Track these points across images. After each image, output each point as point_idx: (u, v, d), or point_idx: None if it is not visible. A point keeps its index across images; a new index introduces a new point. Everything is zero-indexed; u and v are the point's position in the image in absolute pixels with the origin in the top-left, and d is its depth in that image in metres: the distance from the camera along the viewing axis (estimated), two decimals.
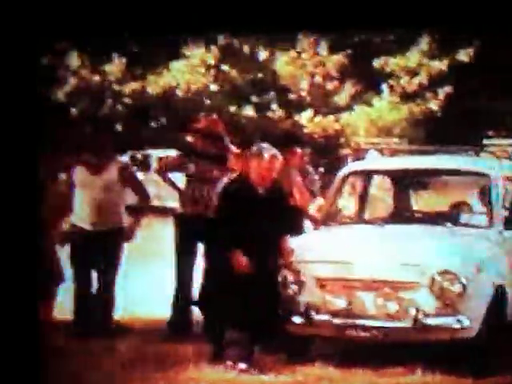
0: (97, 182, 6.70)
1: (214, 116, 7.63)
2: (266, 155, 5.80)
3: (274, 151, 5.88)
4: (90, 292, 6.79)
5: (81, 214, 6.73)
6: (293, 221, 6.26)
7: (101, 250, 6.68)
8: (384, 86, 21.70)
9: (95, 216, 6.68)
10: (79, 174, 6.76)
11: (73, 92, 22.00)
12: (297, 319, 5.87)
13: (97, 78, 22.13)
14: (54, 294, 6.19)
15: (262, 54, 22.44)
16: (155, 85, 21.98)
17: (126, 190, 6.85)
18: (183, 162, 7.00)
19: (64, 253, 6.53)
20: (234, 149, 6.81)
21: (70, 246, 6.77)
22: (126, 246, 6.91)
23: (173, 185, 7.17)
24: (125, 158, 18.82)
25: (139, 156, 19.27)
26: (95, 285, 6.81)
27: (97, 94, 22.19)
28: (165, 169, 7.29)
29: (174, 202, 7.43)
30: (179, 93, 22.08)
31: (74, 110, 21.89)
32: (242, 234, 5.71)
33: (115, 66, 22.29)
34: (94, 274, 6.82)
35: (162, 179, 7.25)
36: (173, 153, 7.80)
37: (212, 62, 22.27)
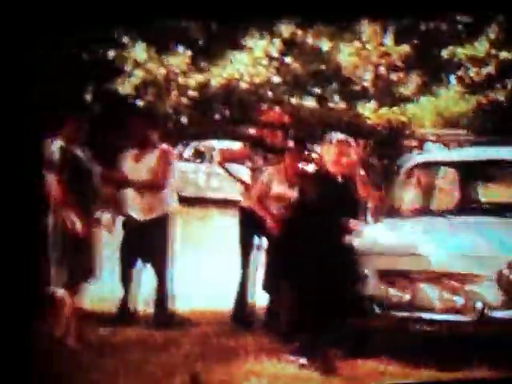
0: (140, 168, 6.71)
1: (276, 108, 7.61)
2: (334, 140, 5.79)
3: (342, 136, 5.87)
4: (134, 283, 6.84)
5: (131, 203, 6.78)
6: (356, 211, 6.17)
7: (150, 239, 6.69)
8: (451, 77, 21.34)
9: (143, 203, 6.72)
10: (124, 162, 6.81)
11: (138, 84, 22.20)
12: (359, 313, 5.78)
13: (162, 70, 22.28)
14: (81, 289, 6.26)
15: (326, 46, 22.29)
16: (219, 77, 22.04)
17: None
18: (247, 155, 6.96)
19: (103, 250, 6.57)
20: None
21: (122, 236, 6.83)
22: (187, 238, 6.91)
23: (236, 177, 7.12)
24: (188, 150, 18.98)
25: (202, 148, 19.34)
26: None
27: (162, 86, 22.34)
28: (228, 161, 7.25)
29: (236, 195, 7.37)
30: (242, 85, 22.09)
31: (140, 103, 22.08)
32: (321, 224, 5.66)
33: (180, 59, 22.41)
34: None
35: (224, 171, 7.22)
36: (236, 145, 7.76)
37: (275, 54, 22.22)
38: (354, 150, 6.54)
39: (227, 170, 7.17)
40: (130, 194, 6.80)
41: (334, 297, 5.67)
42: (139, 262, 6.84)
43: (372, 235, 6.23)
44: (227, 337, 6.41)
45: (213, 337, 6.41)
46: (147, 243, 6.73)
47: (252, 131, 7.14)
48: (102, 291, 7.75)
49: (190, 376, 5.24)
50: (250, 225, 6.80)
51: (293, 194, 6.39)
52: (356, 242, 5.90)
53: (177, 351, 5.98)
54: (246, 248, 6.83)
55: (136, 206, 6.75)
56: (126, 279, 6.83)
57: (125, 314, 6.80)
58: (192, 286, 7.61)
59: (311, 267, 5.63)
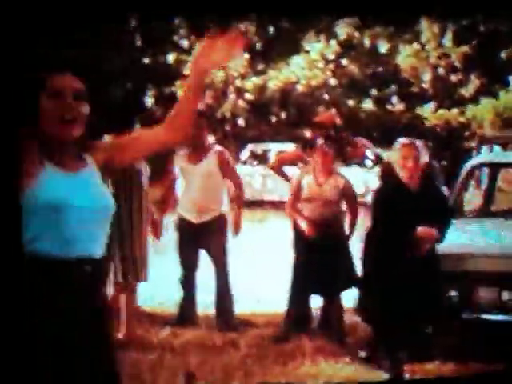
0: (197, 170, 6.66)
1: (332, 111, 7.53)
2: (398, 146, 5.62)
3: (406, 140, 5.70)
4: (195, 286, 6.80)
5: (186, 205, 6.71)
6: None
7: (207, 241, 6.66)
8: (511, 78, 20.99)
9: (199, 205, 6.66)
10: (180, 164, 6.72)
11: None
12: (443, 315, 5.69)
13: (221, 73, 22.40)
14: (134, 289, 6.31)
15: (383, 47, 22.15)
16: (276, 80, 22.07)
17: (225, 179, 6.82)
18: (300, 157, 6.93)
19: (151, 250, 6.57)
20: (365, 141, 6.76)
21: (177, 238, 6.78)
22: (244, 240, 6.89)
23: (289, 179, 7.10)
24: (245, 153, 19.01)
25: (259, 150, 19.38)
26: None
27: (220, 89, 22.46)
28: (281, 163, 7.21)
29: (275, 196, 7.36)
30: (299, 87, 22.08)
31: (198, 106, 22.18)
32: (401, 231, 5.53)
33: (238, 62, 22.50)
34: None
35: (276, 174, 7.16)
36: (290, 147, 7.71)
37: (332, 56, 22.15)
38: (421, 153, 6.47)
39: (281, 173, 7.13)
40: (184, 195, 6.75)
41: (422, 302, 5.52)
42: (198, 264, 6.82)
43: None
44: (284, 339, 6.37)
45: (270, 339, 6.38)
46: (206, 245, 6.71)
47: (305, 133, 7.08)
48: (159, 293, 7.83)
49: (184, 375, 5.23)
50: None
51: (325, 193, 6.34)
52: None
53: (235, 353, 5.98)
54: (301, 249, 6.80)
55: (191, 207, 6.69)
56: (188, 282, 6.78)
57: (186, 316, 6.77)
58: (250, 288, 7.61)
59: (395, 273, 5.47)
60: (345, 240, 6.45)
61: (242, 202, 6.83)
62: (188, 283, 6.80)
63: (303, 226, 6.34)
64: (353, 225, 6.50)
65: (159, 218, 6.72)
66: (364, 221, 6.41)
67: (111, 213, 2.75)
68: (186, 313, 6.80)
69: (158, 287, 7.88)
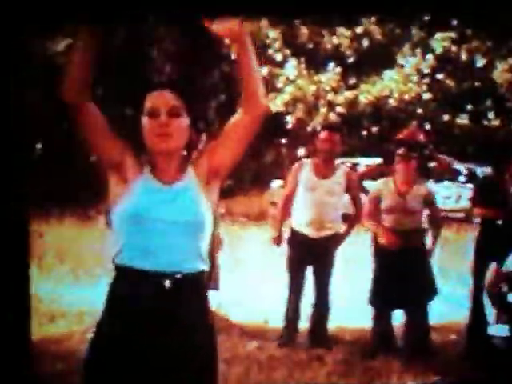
0: (324, 185, 6.54)
1: (414, 125, 7.48)
2: None
3: None
4: (301, 300, 6.67)
5: (304, 219, 6.56)
6: None
7: (319, 256, 6.53)
8: None
9: (319, 220, 6.52)
10: (306, 175, 6.57)
11: (289, 101, 22.42)
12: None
13: (312, 87, 22.40)
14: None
15: (480, 62, 21.75)
16: (368, 93, 21.92)
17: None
18: (382, 172, 6.88)
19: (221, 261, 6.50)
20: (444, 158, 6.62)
21: (289, 251, 6.62)
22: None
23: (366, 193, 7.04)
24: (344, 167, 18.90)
25: (348, 164, 19.29)
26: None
27: (312, 102, 22.46)
28: (361, 178, 7.17)
29: None
30: (392, 102, 21.87)
31: (289, 118, 22.28)
32: None
33: (330, 76, 22.48)
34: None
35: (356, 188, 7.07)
36: (375, 162, 7.63)
37: (427, 70, 21.87)
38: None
39: (362, 189, 7.09)
40: (301, 209, 6.58)
41: None
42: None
43: None
44: (371, 356, 6.29)
45: (356, 356, 6.30)
46: (318, 261, 6.55)
47: (392, 148, 7.00)
48: (251, 306, 7.85)
49: None
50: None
51: (407, 203, 6.24)
52: None
53: (320, 368, 5.92)
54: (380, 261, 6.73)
55: (309, 221, 6.52)
56: (297, 297, 6.63)
57: (293, 332, 6.65)
58: (339, 302, 7.53)
59: None
60: (426, 251, 6.35)
61: (358, 222, 6.73)
62: (296, 299, 6.64)
63: (385, 237, 6.25)
64: (435, 236, 6.38)
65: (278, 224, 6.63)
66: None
67: (203, 227, 2.75)
68: (292, 330, 6.67)
69: (247, 300, 7.91)
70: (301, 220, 6.58)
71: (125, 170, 2.75)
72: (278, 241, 6.66)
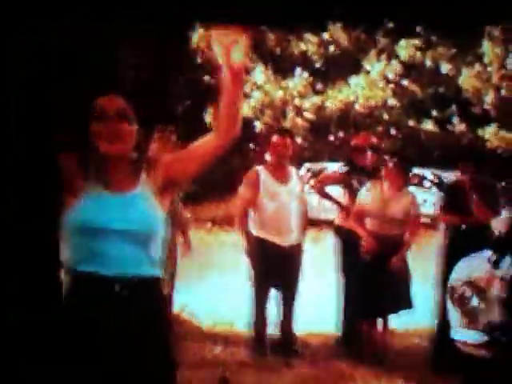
0: (285, 190, 6.51)
1: (366, 132, 7.58)
2: None
3: None
4: (267, 308, 6.62)
5: (271, 226, 6.46)
6: None
7: (285, 265, 6.46)
8: None
9: (287, 226, 6.47)
10: (265, 182, 6.51)
11: (257, 106, 22.47)
12: (476, 338, 5.60)
13: (280, 92, 22.48)
14: None
15: (445, 68, 21.97)
16: (335, 99, 22.05)
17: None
18: (343, 178, 6.94)
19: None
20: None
21: (254, 262, 6.51)
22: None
23: (331, 198, 7.08)
24: (301, 171, 18.98)
25: (316, 169, 19.35)
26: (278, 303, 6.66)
27: (279, 108, 22.54)
28: (323, 184, 7.18)
29: (331, 215, 7.33)
30: (358, 107, 22.02)
31: (257, 124, 22.32)
32: None
33: (298, 81, 22.58)
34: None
35: (318, 194, 7.10)
36: (335, 168, 7.65)
37: (392, 76, 22.05)
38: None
39: (323, 194, 7.09)
40: (266, 216, 6.47)
41: None
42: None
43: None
44: (339, 360, 6.34)
45: (324, 360, 6.35)
46: (285, 269, 6.47)
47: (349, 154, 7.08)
48: (217, 310, 7.86)
49: (219, 381, 5.22)
50: (348, 245, 6.76)
51: (391, 210, 6.31)
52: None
53: (288, 373, 5.96)
54: (348, 268, 6.78)
55: (277, 228, 6.44)
56: (262, 305, 6.53)
57: (262, 339, 6.57)
58: (306, 308, 7.57)
59: None
60: (405, 260, 6.39)
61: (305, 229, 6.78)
62: (262, 310, 6.56)
63: (364, 238, 6.32)
64: (408, 244, 6.42)
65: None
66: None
67: (155, 236, 2.77)
68: (262, 335, 6.60)
69: (212, 304, 7.91)
70: (267, 228, 6.48)
71: (75, 179, 2.75)
72: (246, 252, 6.58)
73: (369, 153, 6.87)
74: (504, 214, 6.53)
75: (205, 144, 2.87)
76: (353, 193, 6.84)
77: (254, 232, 6.53)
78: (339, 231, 6.93)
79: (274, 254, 6.42)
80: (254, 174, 6.57)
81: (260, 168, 6.61)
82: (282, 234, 6.46)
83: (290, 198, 6.50)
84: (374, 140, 7.08)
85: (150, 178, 2.82)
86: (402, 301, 6.29)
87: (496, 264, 5.46)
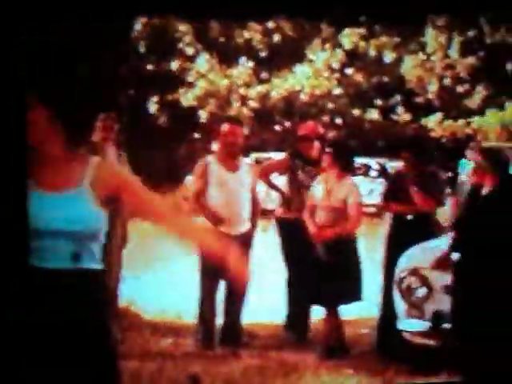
0: (234, 178, 6.46)
1: (311, 121, 7.62)
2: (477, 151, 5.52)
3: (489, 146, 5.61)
4: (215, 299, 6.57)
5: (220, 215, 6.39)
6: None
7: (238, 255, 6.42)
8: None
9: (236, 215, 6.43)
10: (214, 171, 6.46)
11: (201, 95, 22.41)
12: (422, 327, 5.68)
13: (225, 81, 22.45)
14: None
15: (389, 57, 22.18)
16: (280, 88, 22.10)
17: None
18: (287, 165, 6.95)
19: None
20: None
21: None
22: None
23: (275, 188, 7.09)
24: (249, 161, 18.98)
25: (262, 159, 19.38)
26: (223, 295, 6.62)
27: (224, 97, 22.51)
28: (267, 172, 7.19)
29: (274, 205, 7.34)
30: (303, 97, 22.11)
31: (203, 113, 22.27)
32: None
33: (243, 70, 22.58)
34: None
35: (263, 183, 7.11)
36: (278, 157, 7.64)
37: (337, 65, 22.19)
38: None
39: (268, 182, 7.11)
40: (216, 206, 6.42)
41: None
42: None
43: (439, 249, 6.13)
44: (287, 350, 6.37)
45: (272, 350, 6.37)
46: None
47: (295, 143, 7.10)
48: (163, 302, 7.83)
49: (189, 377, 5.22)
50: (291, 236, 6.79)
51: (333, 199, 6.34)
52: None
53: (236, 364, 5.96)
54: (290, 259, 6.82)
55: (226, 217, 6.36)
56: (211, 296, 6.48)
57: (210, 330, 6.50)
58: (253, 299, 7.59)
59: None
60: (353, 249, 6.42)
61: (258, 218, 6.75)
62: (211, 301, 6.51)
63: (311, 229, 6.36)
64: (351, 232, 6.45)
65: None
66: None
67: (97, 232, 2.80)
68: (209, 327, 6.53)
69: (160, 296, 7.87)
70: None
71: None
72: None
73: (316, 143, 6.90)
74: (448, 203, 6.64)
75: (147, 203, 2.95)
76: (297, 183, 6.85)
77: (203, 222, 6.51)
78: (281, 222, 6.94)
79: (221, 243, 6.37)
80: (202, 164, 6.54)
81: (209, 158, 6.58)
82: (232, 223, 6.44)
83: (239, 186, 6.47)
84: (321, 130, 7.11)
85: (98, 183, 2.80)
86: (350, 293, 6.33)
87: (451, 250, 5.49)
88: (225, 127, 6.52)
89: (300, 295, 6.66)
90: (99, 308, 2.82)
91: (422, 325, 5.70)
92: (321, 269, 6.32)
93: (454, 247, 5.48)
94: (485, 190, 5.40)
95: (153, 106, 22.63)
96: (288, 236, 6.87)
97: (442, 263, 5.56)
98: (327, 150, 6.48)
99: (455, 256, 5.45)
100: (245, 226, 6.51)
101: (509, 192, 5.42)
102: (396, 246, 6.28)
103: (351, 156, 6.71)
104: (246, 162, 6.77)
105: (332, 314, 6.40)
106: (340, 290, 6.26)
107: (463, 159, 10.04)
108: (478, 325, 5.20)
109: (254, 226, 6.65)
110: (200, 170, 6.50)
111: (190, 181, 6.62)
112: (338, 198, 6.34)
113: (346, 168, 6.50)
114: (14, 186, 2.48)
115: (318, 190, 6.47)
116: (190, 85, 22.46)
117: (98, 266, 2.82)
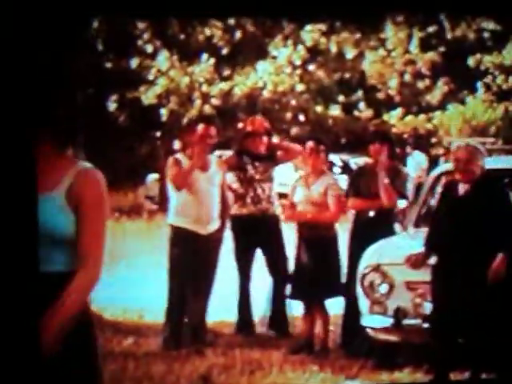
0: (204, 177, 6.48)
1: (258, 116, 7.73)
2: (456, 148, 5.58)
3: (467, 142, 5.71)
4: (182, 298, 6.55)
5: (189, 214, 6.43)
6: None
7: (202, 254, 6.40)
8: (478, 85, 21.25)
9: (206, 213, 6.43)
10: (176, 168, 6.44)
11: (162, 93, 22.34)
12: (385, 323, 5.75)
13: (186, 79, 22.39)
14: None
15: (350, 53, 22.31)
16: (242, 85, 22.12)
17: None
18: (235, 163, 6.99)
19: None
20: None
21: (172, 252, 6.46)
22: None
23: (229, 186, 7.12)
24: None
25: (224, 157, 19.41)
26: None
27: (186, 94, 22.46)
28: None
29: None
30: (266, 93, 22.16)
31: (163, 111, 22.22)
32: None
33: (204, 67, 22.54)
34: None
35: None
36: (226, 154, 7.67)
37: (298, 62, 22.26)
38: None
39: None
40: (185, 204, 6.44)
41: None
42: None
43: (399, 245, 6.21)
44: (251, 348, 6.40)
45: (237, 348, 6.39)
46: (202, 258, 6.39)
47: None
48: (125, 302, 7.81)
49: (200, 378, 5.27)
50: (243, 233, 6.86)
51: (312, 194, 6.40)
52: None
53: (200, 362, 5.98)
54: (241, 257, 6.89)
55: (196, 216, 6.39)
56: (177, 294, 6.47)
57: (176, 329, 6.50)
58: (219, 297, 7.61)
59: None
60: (333, 244, 6.47)
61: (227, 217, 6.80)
62: (179, 299, 6.48)
63: (289, 213, 6.48)
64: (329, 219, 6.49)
65: None
66: None
67: (65, 236, 2.78)
68: (175, 326, 6.53)
69: (121, 295, 7.86)
70: (184, 216, 6.46)
71: None
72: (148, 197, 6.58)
73: (264, 138, 6.95)
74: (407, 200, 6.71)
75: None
76: (248, 179, 6.91)
77: (171, 220, 6.54)
78: (235, 219, 6.96)
79: (191, 242, 6.41)
80: (172, 161, 6.54)
81: (179, 156, 6.58)
82: (201, 222, 6.44)
83: (208, 185, 6.48)
84: (267, 125, 7.16)
85: (67, 190, 2.77)
86: (332, 287, 6.38)
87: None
88: (199, 126, 6.54)
89: (281, 292, 6.74)
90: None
91: (385, 321, 5.77)
92: (302, 264, 6.39)
93: (430, 245, 5.54)
94: (462, 187, 5.47)
95: (112, 105, 22.51)
96: (239, 233, 6.92)
97: (416, 262, 5.61)
98: (307, 144, 6.54)
99: (432, 255, 5.51)
100: (214, 225, 6.52)
101: (486, 188, 5.50)
102: (359, 242, 6.34)
103: (328, 150, 6.80)
104: (215, 157, 6.77)
105: (316, 309, 6.43)
106: (322, 285, 6.32)
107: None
108: (459, 324, 5.27)
109: (223, 224, 6.68)
110: (172, 161, 6.52)
111: (152, 179, 6.62)
112: (318, 192, 6.40)
113: (325, 161, 6.61)
114: (24, 193, 2.49)
115: (299, 191, 6.52)
116: (151, 83, 22.38)
117: (69, 267, 2.82)
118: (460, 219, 5.42)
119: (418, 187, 7.13)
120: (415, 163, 15.84)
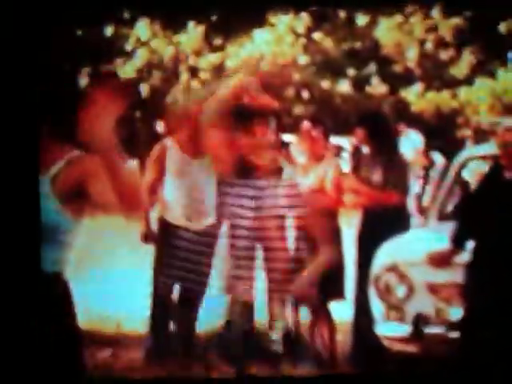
0: (197, 164, 6.54)
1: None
2: (504, 129, 5.55)
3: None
4: (169, 305, 6.68)
5: (180, 208, 6.50)
6: None
7: (195, 252, 6.48)
8: (511, 55, 21.27)
9: (198, 207, 6.51)
10: (173, 157, 6.53)
11: (142, 67, 22.33)
12: (402, 332, 5.77)
13: (170, 49, 22.39)
14: None
15: (361, 20, 22.28)
16: (236, 57, 22.10)
17: None
18: None
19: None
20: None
21: (155, 248, 6.58)
22: None
23: None
24: None
25: None
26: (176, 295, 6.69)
27: (170, 68, 22.46)
28: None
29: None
30: (264, 66, 22.15)
31: (145, 86, 22.22)
32: None
33: (192, 36, 22.52)
34: None
35: None
36: None
37: (302, 30, 22.24)
38: None
39: None
40: (175, 197, 6.50)
41: None
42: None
43: (419, 242, 6.23)
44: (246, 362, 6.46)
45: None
46: (196, 257, 6.49)
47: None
48: (101, 308, 7.85)
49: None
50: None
51: (310, 181, 6.45)
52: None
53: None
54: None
55: (188, 210, 6.49)
56: (164, 301, 6.62)
57: (160, 341, 6.61)
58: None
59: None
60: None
61: None
62: (163, 303, 6.60)
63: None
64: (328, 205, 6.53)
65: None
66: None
67: (56, 234, 3.04)
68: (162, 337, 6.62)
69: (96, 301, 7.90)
70: (175, 210, 6.50)
71: None
72: (146, 237, 6.60)
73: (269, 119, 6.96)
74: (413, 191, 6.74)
75: None
76: None
77: (157, 214, 6.60)
78: None
79: (182, 240, 6.43)
80: (159, 149, 6.55)
81: (168, 141, 6.57)
82: (194, 217, 6.45)
83: (203, 174, 6.46)
84: (276, 105, 7.19)
85: (60, 177, 3.10)
86: (333, 291, 6.42)
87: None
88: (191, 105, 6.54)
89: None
90: (62, 312, 3.10)
91: (403, 329, 5.79)
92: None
93: (458, 240, 5.53)
94: (508, 174, 5.43)
95: (83, 80, 22.48)
96: None
97: (441, 261, 5.63)
98: (305, 126, 6.56)
99: (462, 252, 5.51)
100: (209, 220, 6.52)
101: None
102: (370, 238, 6.37)
103: (329, 133, 6.83)
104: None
105: (318, 314, 6.47)
106: (322, 288, 6.35)
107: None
108: (498, 336, 5.27)
109: (219, 218, 6.69)
110: (156, 154, 6.52)
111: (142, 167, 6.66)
112: (315, 178, 6.43)
113: (325, 146, 6.64)
114: (27, 187, 2.69)
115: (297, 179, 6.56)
116: (129, 54, 22.36)
117: (57, 268, 3.09)
118: (508, 210, 5.37)
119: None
120: (410, 144, 15.88)
